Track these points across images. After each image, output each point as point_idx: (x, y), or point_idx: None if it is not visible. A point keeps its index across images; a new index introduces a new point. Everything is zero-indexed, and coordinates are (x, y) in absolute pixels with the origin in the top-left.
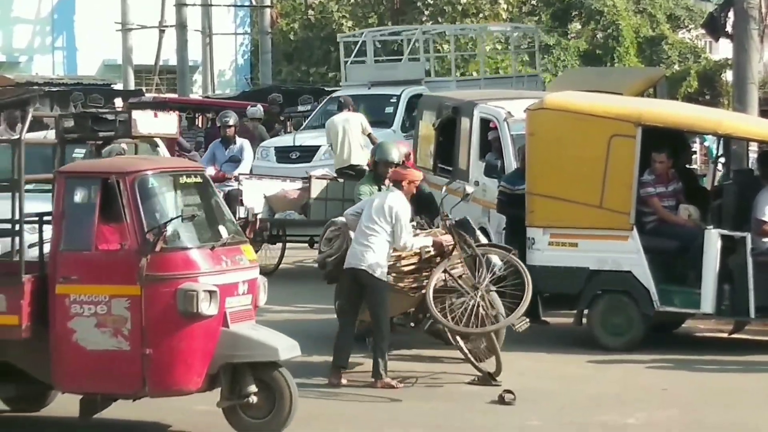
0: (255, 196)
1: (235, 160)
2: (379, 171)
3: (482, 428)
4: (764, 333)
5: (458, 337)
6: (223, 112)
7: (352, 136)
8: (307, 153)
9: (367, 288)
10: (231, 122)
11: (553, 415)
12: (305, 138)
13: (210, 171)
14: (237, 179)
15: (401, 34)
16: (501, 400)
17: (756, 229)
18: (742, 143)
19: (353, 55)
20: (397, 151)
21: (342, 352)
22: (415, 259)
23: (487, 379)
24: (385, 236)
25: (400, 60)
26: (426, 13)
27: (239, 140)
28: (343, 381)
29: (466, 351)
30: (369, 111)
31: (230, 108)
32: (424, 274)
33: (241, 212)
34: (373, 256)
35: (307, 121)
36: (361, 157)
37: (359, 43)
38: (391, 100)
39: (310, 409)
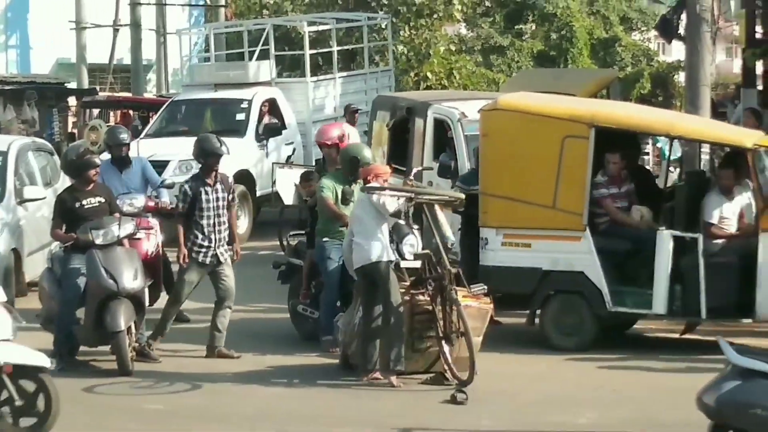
0: (287, 184)
1: (134, 186)
2: (346, 171)
3: (434, 428)
4: (715, 333)
5: (443, 342)
6: (114, 127)
7: None
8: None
9: (378, 279)
10: (127, 140)
11: (504, 414)
12: (152, 147)
13: (141, 201)
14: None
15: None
16: (453, 400)
17: (705, 232)
18: (694, 145)
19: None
20: (368, 151)
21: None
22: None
23: (440, 378)
24: (380, 223)
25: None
26: (381, 13)
27: (134, 159)
28: (395, 381)
29: (448, 357)
30: (217, 117)
31: None
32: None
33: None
34: (378, 244)
35: (148, 128)
36: None
37: (204, 39)
38: (242, 106)
39: (262, 408)
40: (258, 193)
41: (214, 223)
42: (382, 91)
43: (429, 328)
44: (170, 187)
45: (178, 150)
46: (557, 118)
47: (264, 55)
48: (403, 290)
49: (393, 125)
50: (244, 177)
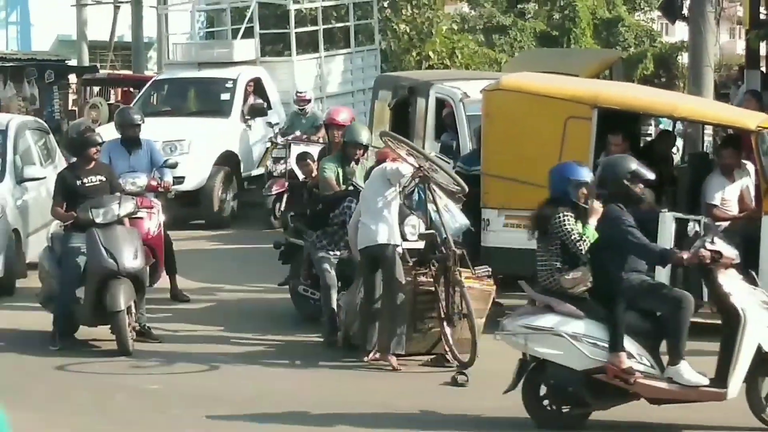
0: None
1: (141, 168)
2: (348, 152)
3: (435, 409)
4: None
5: (445, 324)
6: (125, 107)
7: None
8: None
9: (382, 261)
10: (139, 120)
11: (506, 396)
12: None
13: (143, 180)
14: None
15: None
16: (454, 382)
17: (706, 213)
18: (697, 126)
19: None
20: (367, 133)
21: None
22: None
23: (440, 360)
24: (392, 202)
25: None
26: None
27: (144, 141)
28: (395, 362)
29: (450, 338)
30: (201, 97)
31: None
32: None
33: None
34: (385, 226)
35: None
36: None
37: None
38: (227, 85)
39: (262, 389)
40: (243, 174)
41: None
42: (368, 71)
43: (431, 308)
44: (173, 166)
45: (162, 131)
46: (560, 99)
47: (249, 34)
48: (405, 271)
49: (395, 105)
50: (230, 158)
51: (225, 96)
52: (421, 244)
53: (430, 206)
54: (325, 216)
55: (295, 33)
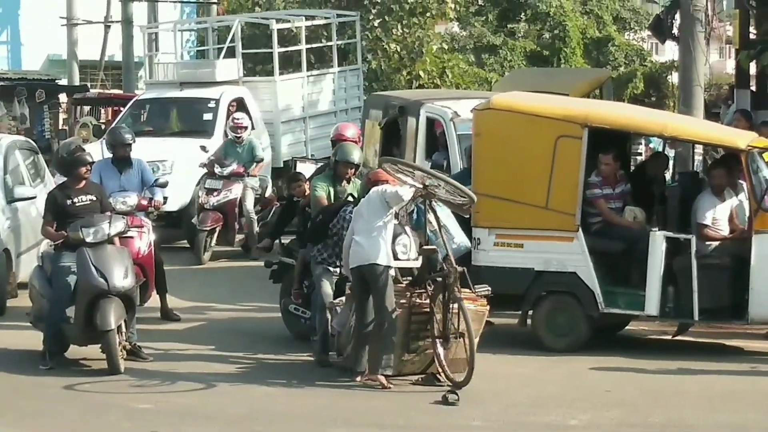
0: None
1: (132, 188)
2: (339, 171)
3: (425, 428)
4: (707, 335)
5: (438, 344)
6: (117, 126)
7: None
8: None
9: (373, 282)
10: (130, 140)
11: (496, 415)
12: None
13: (133, 200)
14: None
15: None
16: (444, 401)
17: (697, 233)
18: (687, 146)
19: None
20: (359, 152)
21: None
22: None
23: (431, 379)
24: (387, 226)
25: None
26: (373, 11)
27: (135, 160)
28: (384, 382)
29: (442, 358)
30: (184, 117)
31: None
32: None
33: None
34: (378, 247)
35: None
36: None
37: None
38: (209, 105)
39: (254, 408)
40: None
41: None
42: (351, 91)
43: (425, 329)
44: (164, 185)
45: (144, 151)
46: (550, 118)
47: (232, 53)
48: (398, 292)
49: (385, 124)
50: None
51: (207, 116)
52: (415, 263)
53: (429, 226)
54: (324, 228)
55: (281, 53)
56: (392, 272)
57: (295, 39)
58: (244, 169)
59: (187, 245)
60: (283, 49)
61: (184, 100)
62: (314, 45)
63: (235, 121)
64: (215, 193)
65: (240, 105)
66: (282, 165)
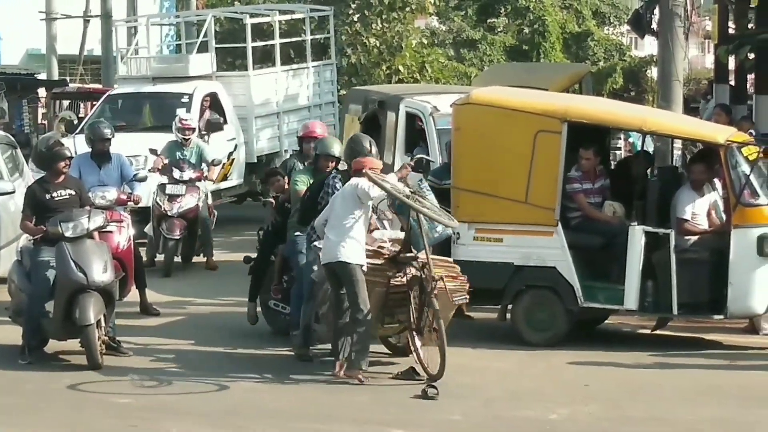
0: None
1: (112, 182)
2: (320, 164)
3: (405, 422)
4: (686, 329)
5: (415, 334)
6: (96, 121)
7: None
8: None
9: (344, 278)
10: (110, 135)
11: (475, 409)
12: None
13: (113, 194)
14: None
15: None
16: (424, 395)
17: (677, 228)
18: (666, 140)
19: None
20: (339, 145)
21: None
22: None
23: (411, 373)
24: (359, 221)
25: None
26: (353, 6)
27: (114, 155)
28: (361, 377)
29: (420, 351)
30: (157, 113)
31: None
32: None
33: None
34: (350, 244)
35: (84, 123)
36: None
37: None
38: (183, 100)
39: (233, 402)
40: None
41: None
42: (325, 86)
43: (401, 305)
44: (143, 180)
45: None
46: (530, 113)
47: (205, 48)
48: (378, 270)
49: (365, 119)
50: None
51: (181, 111)
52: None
53: (411, 213)
54: (312, 203)
55: (258, 48)
56: (365, 269)
57: (272, 35)
58: (202, 173)
59: None
60: (256, 44)
61: (157, 95)
62: (288, 40)
63: (183, 122)
64: (178, 200)
65: (213, 100)
66: (256, 160)
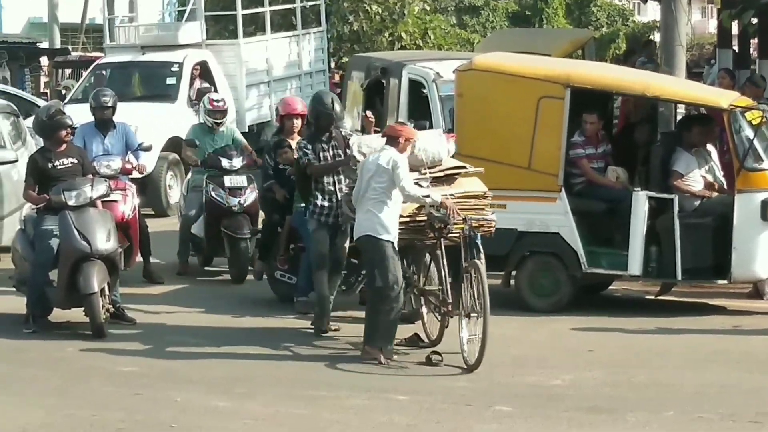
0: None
1: (116, 151)
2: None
3: (409, 389)
4: (690, 295)
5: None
6: (99, 89)
7: None
8: None
9: (368, 253)
10: (110, 102)
11: (480, 376)
12: (78, 114)
13: (117, 163)
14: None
15: None
16: (428, 362)
17: (671, 181)
18: (669, 105)
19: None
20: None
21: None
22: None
23: (415, 340)
24: (390, 196)
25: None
26: None
27: (118, 124)
28: (394, 358)
29: (425, 316)
30: (146, 82)
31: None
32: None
33: None
34: (377, 220)
35: (72, 93)
36: None
37: None
38: (173, 69)
39: (238, 371)
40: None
41: (335, 181)
42: (315, 53)
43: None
44: (148, 149)
45: None
46: (533, 79)
47: (194, 16)
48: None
49: (368, 86)
50: (177, 144)
51: (171, 80)
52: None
53: None
54: (303, 175)
55: (248, 15)
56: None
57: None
58: (251, 159)
59: (152, 212)
60: (246, 12)
61: (146, 64)
62: (279, 7)
63: (214, 103)
64: (241, 192)
65: (204, 68)
66: (247, 130)
